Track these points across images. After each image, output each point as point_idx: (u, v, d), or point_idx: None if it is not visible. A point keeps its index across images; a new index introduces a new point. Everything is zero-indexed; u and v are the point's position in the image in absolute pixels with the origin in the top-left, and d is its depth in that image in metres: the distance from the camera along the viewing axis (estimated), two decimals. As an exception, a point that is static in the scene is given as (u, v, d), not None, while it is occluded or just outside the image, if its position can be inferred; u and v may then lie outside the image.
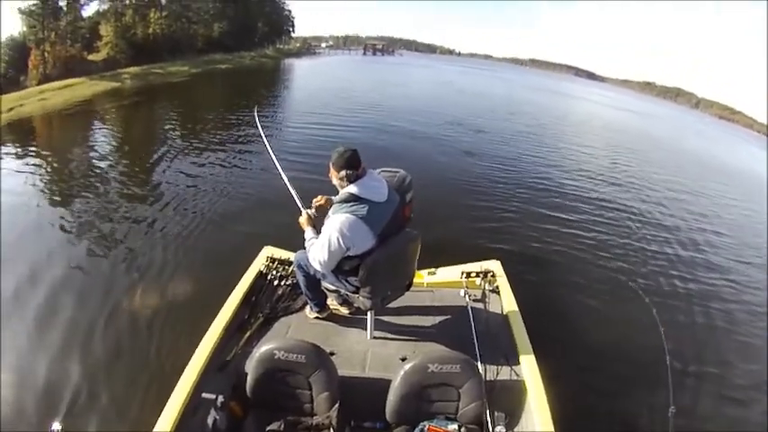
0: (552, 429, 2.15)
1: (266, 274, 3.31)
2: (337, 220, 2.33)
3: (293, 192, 3.07)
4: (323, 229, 2.45)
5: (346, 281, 2.59)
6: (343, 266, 2.50)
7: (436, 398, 2.21)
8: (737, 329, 5.18)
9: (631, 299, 5.34)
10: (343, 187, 2.41)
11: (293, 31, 59.36)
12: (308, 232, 2.65)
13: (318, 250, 2.41)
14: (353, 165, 2.36)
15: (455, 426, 2.15)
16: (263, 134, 4.79)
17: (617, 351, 4.15)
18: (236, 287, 3.12)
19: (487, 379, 2.40)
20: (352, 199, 2.36)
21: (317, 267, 2.51)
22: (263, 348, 2.23)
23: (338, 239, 2.32)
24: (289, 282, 3.24)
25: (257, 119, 5.18)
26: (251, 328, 2.80)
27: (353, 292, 2.61)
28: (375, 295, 2.56)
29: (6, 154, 10.23)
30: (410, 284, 2.88)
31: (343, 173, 2.36)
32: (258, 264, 3.40)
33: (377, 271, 2.45)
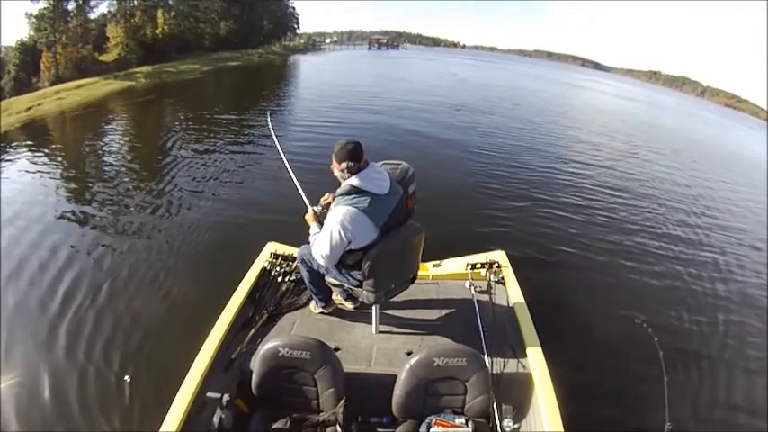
0: (560, 422, 2.12)
1: (270, 270, 3.30)
2: (338, 213, 2.31)
3: (300, 189, 3.04)
4: (325, 222, 2.42)
5: (349, 275, 2.56)
6: (346, 260, 2.47)
7: (443, 392, 2.19)
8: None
9: (639, 290, 5.31)
10: (344, 179, 2.38)
11: (298, 27, 59.86)
12: (313, 227, 2.64)
13: (320, 244, 2.39)
14: (355, 157, 2.33)
15: (462, 419, 2.13)
16: (275, 139, 4.57)
17: (624, 342, 3.95)
18: (241, 284, 3.11)
19: (494, 372, 2.37)
20: (354, 191, 2.33)
21: (320, 261, 2.49)
22: (267, 346, 2.22)
23: (339, 232, 2.30)
24: (293, 277, 3.22)
25: (270, 125, 5.12)
26: (255, 326, 2.79)
27: (357, 287, 2.58)
28: (379, 289, 2.53)
29: (27, 150, 10.57)
30: (414, 277, 2.83)
31: (344, 165, 2.34)
32: (262, 260, 3.39)
33: (380, 264, 2.42)
